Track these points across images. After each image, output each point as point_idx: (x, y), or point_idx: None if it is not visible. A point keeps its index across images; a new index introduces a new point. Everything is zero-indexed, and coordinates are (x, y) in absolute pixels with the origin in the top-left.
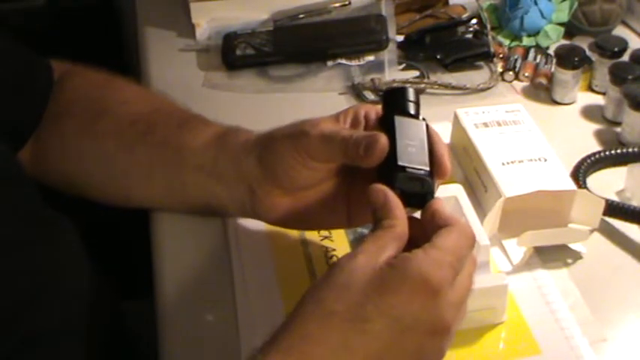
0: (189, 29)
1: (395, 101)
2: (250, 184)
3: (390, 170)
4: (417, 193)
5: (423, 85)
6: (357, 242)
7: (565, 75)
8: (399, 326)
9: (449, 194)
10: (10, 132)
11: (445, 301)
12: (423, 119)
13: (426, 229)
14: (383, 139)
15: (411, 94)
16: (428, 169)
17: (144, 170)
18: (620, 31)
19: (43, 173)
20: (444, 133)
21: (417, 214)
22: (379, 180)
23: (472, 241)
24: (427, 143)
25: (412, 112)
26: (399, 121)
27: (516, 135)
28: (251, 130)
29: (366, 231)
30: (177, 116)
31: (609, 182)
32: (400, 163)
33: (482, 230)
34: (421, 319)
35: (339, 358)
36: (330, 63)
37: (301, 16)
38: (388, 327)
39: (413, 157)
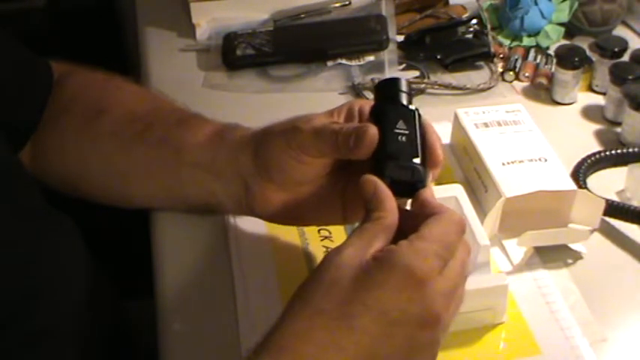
0: (189, 29)
1: (386, 92)
2: (246, 180)
3: (380, 160)
4: (407, 181)
5: (423, 85)
6: None
7: (565, 75)
8: (387, 320)
9: (449, 194)
10: (10, 132)
11: (433, 291)
12: (416, 109)
13: (416, 220)
14: (372, 130)
15: (402, 85)
16: (419, 157)
17: (142, 169)
18: (620, 31)
19: (42, 173)
20: (444, 133)
21: (409, 205)
22: (371, 171)
23: (460, 227)
24: (419, 133)
25: (404, 102)
26: (390, 110)
27: (516, 135)
28: (249, 127)
29: None
30: (175, 115)
31: (609, 182)
32: (390, 152)
33: (482, 230)
34: (409, 312)
35: (329, 356)
36: (330, 63)
37: (301, 16)
38: (375, 321)
39: (403, 146)
